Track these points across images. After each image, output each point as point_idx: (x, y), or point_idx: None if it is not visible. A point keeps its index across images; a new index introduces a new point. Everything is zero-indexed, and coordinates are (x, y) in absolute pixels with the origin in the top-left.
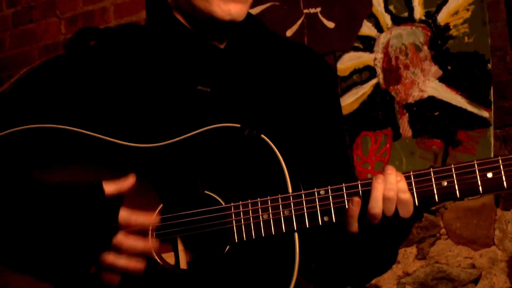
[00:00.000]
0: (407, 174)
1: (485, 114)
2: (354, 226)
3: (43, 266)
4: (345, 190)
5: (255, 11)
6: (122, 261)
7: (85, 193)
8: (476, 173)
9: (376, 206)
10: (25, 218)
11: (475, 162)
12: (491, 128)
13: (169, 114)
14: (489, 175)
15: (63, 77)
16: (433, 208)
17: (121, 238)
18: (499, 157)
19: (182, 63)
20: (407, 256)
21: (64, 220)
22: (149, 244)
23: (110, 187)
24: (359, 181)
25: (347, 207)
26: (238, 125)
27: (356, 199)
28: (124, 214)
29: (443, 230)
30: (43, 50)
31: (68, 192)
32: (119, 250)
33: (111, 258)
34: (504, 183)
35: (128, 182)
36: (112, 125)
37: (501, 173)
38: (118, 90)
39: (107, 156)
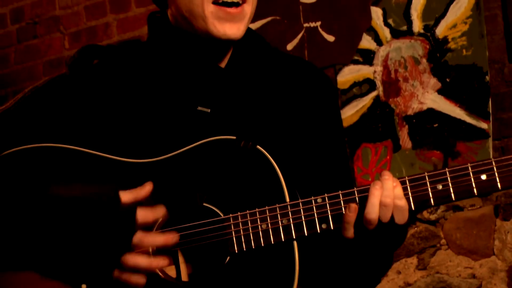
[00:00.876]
0: (402, 179)
1: (483, 125)
2: (350, 232)
3: (65, 270)
4: (342, 197)
5: (256, 25)
6: (143, 262)
7: (102, 202)
8: (470, 175)
9: (373, 211)
10: (45, 227)
11: (468, 165)
12: (490, 139)
13: (169, 133)
14: (483, 177)
15: (66, 97)
16: (434, 218)
17: (141, 237)
18: (492, 159)
19: (182, 82)
20: (408, 266)
21: (84, 228)
22: (170, 238)
23: (126, 196)
24: (355, 188)
25: (344, 213)
26: (234, 137)
27: (353, 206)
28: (140, 215)
29: (443, 241)
30: (47, 65)
31: (85, 202)
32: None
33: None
34: (498, 184)
35: (145, 190)
36: (113, 143)
37: (495, 175)
38: (119, 109)
39: (109, 173)
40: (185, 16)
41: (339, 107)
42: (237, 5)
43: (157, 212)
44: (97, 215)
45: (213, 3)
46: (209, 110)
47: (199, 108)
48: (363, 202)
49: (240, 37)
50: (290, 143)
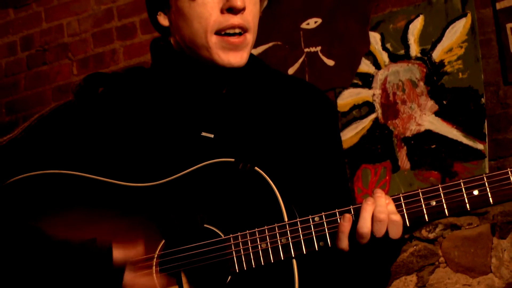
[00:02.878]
0: (396, 197)
1: (480, 146)
2: (345, 243)
3: None
4: (339, 215)
5: (258, 50)
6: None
7: (94, 255)
8: (463, 191)
9: (365, 225)
10: (34, 270)
11: (461, 181)
12: (486, 159)
13: (172, 157)
14: (475, 192)
15: (71, 125)
16: (432, 237)
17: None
18: (484, 175)
19: (186, 108)
20: (408, 284)
21: (74, 278)
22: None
23: (118, 252)
24: (351, 206)
25: (338, 222)
26: (232, 160)
27: (348, 215)
28: (128, 278)
29: (441, 259)
30: (56, 91)
31: (78, 251)
32: None
33: None
34: (490, 199)
35: (137, 250)
36: (118, 168)
37: (487, 190)
38: (124, 135)
39: (112, 198)
40: (188, 45)
41: (339, 128)
42: (239, 34)
43: (145, 283)
44: (85, 267)
45: (216, 33)
46: (212, 136)
47: (203, 133)
48: (357, 216)
49: (244, 64)
50: (290, 164)
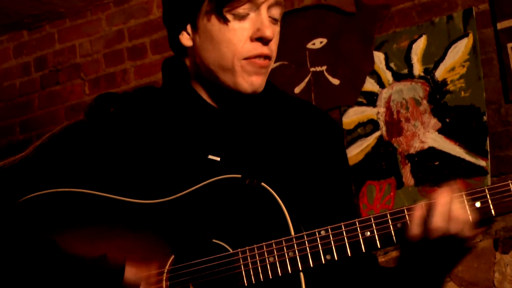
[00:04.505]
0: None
1: (482, 163)
2: (417, 230)
3: None
4: (344, 228)
5: None
6: None
7: (106, 275)
8: (465, 203)
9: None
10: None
11: (463, 193)
12: (488, 176)
13: (179, 176)
14: (477, 204)
15: (82, 143)
16: None
17: None
18: (485, 187)
19: (194, 131)
20: None
21: None
22: None
23: (130, 272)
24: (356, 220)
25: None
26: (239, 176)
27: (420, 204)
28: None
29: None
30: (68, 110)
31: (91, 267)
32: None
33: None
34: (492, 211)
35: (146, 266)
36: (125, 187)
37: (488, 202)
38: (133, 155)
39: (122, 214)
40: (210, 67)
41: (344, 146)
42: (268, 58)
43: None
44: (98, 282)
45: (244, 59)
46: (219, 159)
47: (210, 156)
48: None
49: (262, 90)
50: (296, 181)
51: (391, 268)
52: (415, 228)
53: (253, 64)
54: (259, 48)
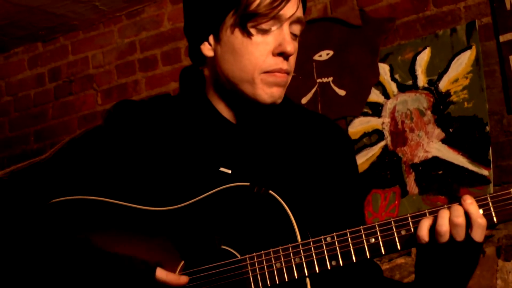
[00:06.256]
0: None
1: (485, 172)
2: (425, 236)
3: None
4: (349, 235)
5: None
6: None
7: (138, 273)
8: None
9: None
10: (81, 283)
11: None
12: (491, 185)
13: (191, 184)
14: (480, 211)
15: (100, 149)
16: None
17: None
18: (488, 195)
19: (207, 142)
20: None
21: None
22: None
23: (160, 273)
24: (361, 227)
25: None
26: (247, 184)
27: (428, 211)
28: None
29: None
30: (81, 120)
31: (124, 268)
32: None
33: None
34: (494, 218)
35: (180, 280)
36: (140, 193)
37: (491, 210)
38: (148, 161)
39: (133, 221)
40: (230, 78)
41: (355, 156)
42: (287, 72)
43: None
44: (130, 281)
45: (263, 72)
46: (230, 172)
47: (221, 169)
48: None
49: (281, 101)
50: (306, 189)
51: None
52: (419, 234)
53: (274, 76)
54: (279, 63)
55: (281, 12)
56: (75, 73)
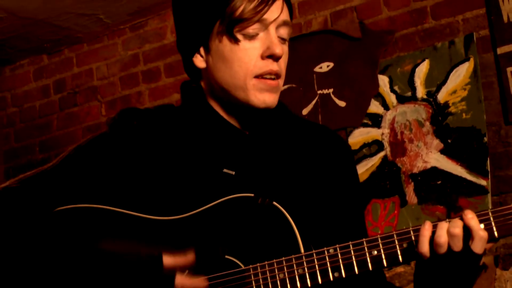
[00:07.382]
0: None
1: (483, 182)
2: (425, 247)
3: None
4: (352, 247)
5: None
6: None
7: (146, 263)
8: None
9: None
10: (90, 281)
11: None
12: (489, 195)
13: (196, 192)
14: (481, 226)
15: (106, 155)
16: None
17: None
18: (489, 210)
19: (211, 146)
20: None
21: (126, 283)
22: None
23: (168, 259)
24: (364, 239)
25: (352, 253)
26: (252, 195)
27: (428, 222)
28: (180, 281)
29: None
30: (86, 131)
31: (130, 261)
32: None
33: None
34: (495, 233)
35: (187, 258)
36: (142, 202)
37: (492, 224)
38: (152, 169)
39: (138, 230)
40: (224, 86)
41: (355, 167)
42: (273, 79)
43: (195, 282)
44: (139, 272)
45: (255, 77)
46: (233, 173)
47: (225, 170)
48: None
49: (275, 106)
50: (308, 200)
51: None
52: (420, 246)
53: (264, 83)
54: (269, 65)
55: (265, 16)
56: (80, 84)
